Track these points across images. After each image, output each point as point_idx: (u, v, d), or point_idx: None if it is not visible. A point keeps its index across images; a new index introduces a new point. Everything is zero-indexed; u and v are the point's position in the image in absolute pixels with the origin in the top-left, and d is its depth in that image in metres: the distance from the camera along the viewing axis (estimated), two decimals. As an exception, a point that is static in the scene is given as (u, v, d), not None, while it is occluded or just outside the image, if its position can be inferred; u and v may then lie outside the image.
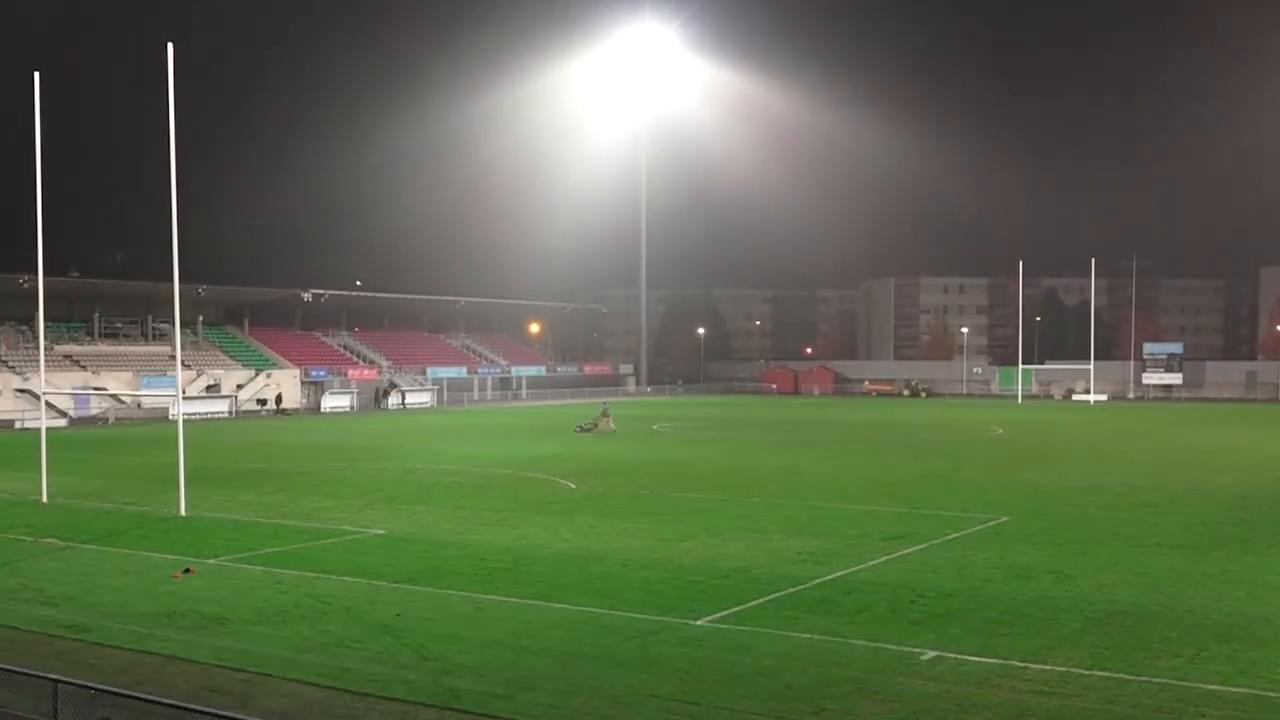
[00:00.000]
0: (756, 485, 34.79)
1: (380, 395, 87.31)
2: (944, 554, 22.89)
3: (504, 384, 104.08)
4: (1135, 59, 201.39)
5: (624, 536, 25.16)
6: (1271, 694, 13.66)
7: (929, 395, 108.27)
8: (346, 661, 15.20)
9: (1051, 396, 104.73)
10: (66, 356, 75.63)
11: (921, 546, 23.73)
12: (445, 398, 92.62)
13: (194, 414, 68.79)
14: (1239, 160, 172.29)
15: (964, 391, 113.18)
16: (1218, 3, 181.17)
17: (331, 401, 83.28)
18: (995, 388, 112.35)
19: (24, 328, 76.43)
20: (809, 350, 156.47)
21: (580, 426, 57.65)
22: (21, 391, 68.24)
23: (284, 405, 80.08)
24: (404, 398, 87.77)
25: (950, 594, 19.07)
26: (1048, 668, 14.72)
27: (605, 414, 58.04)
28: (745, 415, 75.24)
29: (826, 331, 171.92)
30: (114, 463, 43.30)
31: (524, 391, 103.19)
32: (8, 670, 12.35)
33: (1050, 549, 23.35)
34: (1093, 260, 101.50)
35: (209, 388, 77.54)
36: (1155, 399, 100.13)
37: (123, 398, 72.07)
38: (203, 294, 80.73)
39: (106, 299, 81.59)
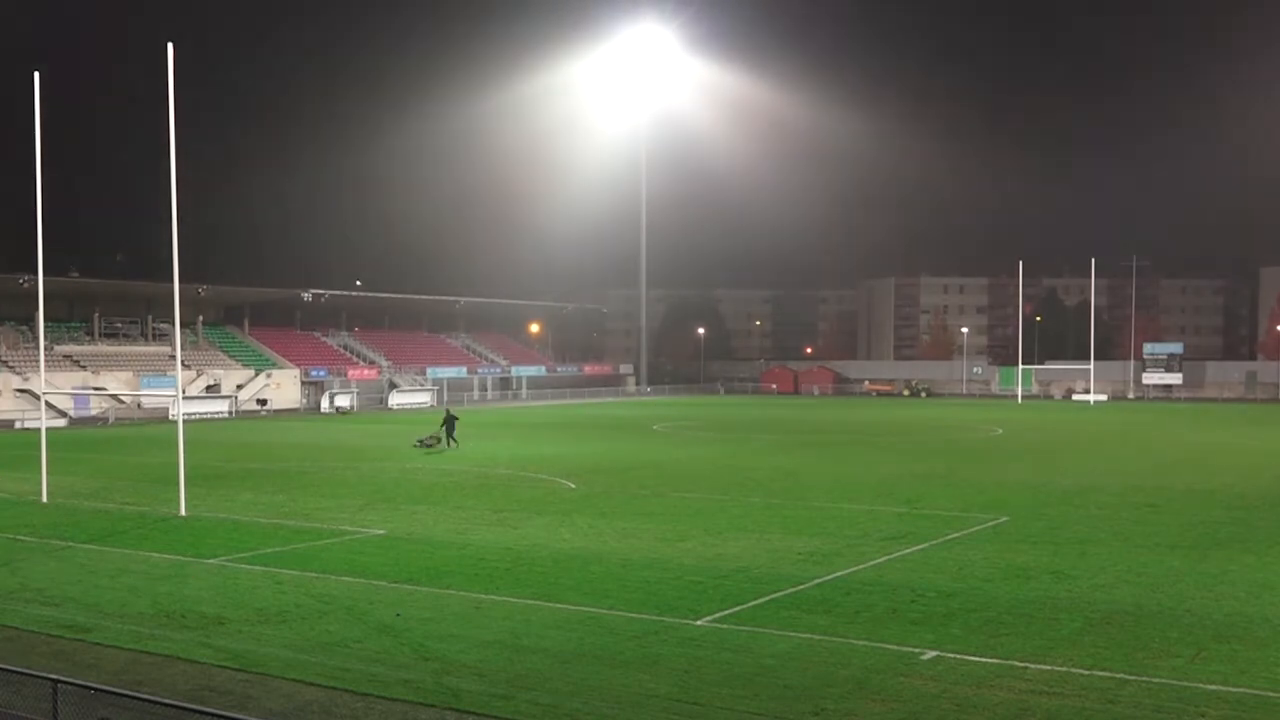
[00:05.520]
0: (756, 485, 34.77)
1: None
2: (944, 554, 22.89)
3: (504, 384, 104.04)
4: (1136, 58, 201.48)
5: (624, 536, 25.15)
6: (1271, 694, 13.66)
7: (929, 395, 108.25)
8: (346, 661, 15.20)
9: (1051, 396, 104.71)
10: (66, 356, 75.61)
11: (921, 546, 23.74)
12: (445, 398, 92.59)
13: (194, 414, 68.77)
14: (1239, 160, 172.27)
15: (964, 391, 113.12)
16: (1219, 3, 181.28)
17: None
18: (995, 388, 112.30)
19: (24, 328, 76.47)
20: (809, 350, 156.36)
21: (420, 441, 48.16)
22: (21, 391, 68.24)
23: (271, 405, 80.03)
24: (332, 400, 79.63)
25: (950, 594, 19.07)
26: (1048, 668, 14.73)
27: (447, 424, 48.26)
28: (745, 415, 75.21)
29: (826, 331, 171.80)
30: (114, 463, 43.29)
31: (524, 392, 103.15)
32: (8, 670, 12.35)
33: (1050, 549, 23.36)
34: (1093, 260, 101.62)
35: (209, 388, 77.55)
36: (1155, 399, 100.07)
37: (123, 398, 72.09)
38: (203, 294, 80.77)
39: (106, 299, 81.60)
